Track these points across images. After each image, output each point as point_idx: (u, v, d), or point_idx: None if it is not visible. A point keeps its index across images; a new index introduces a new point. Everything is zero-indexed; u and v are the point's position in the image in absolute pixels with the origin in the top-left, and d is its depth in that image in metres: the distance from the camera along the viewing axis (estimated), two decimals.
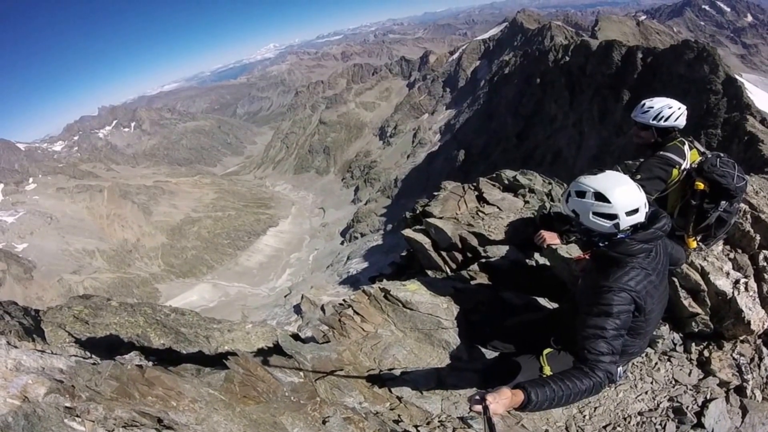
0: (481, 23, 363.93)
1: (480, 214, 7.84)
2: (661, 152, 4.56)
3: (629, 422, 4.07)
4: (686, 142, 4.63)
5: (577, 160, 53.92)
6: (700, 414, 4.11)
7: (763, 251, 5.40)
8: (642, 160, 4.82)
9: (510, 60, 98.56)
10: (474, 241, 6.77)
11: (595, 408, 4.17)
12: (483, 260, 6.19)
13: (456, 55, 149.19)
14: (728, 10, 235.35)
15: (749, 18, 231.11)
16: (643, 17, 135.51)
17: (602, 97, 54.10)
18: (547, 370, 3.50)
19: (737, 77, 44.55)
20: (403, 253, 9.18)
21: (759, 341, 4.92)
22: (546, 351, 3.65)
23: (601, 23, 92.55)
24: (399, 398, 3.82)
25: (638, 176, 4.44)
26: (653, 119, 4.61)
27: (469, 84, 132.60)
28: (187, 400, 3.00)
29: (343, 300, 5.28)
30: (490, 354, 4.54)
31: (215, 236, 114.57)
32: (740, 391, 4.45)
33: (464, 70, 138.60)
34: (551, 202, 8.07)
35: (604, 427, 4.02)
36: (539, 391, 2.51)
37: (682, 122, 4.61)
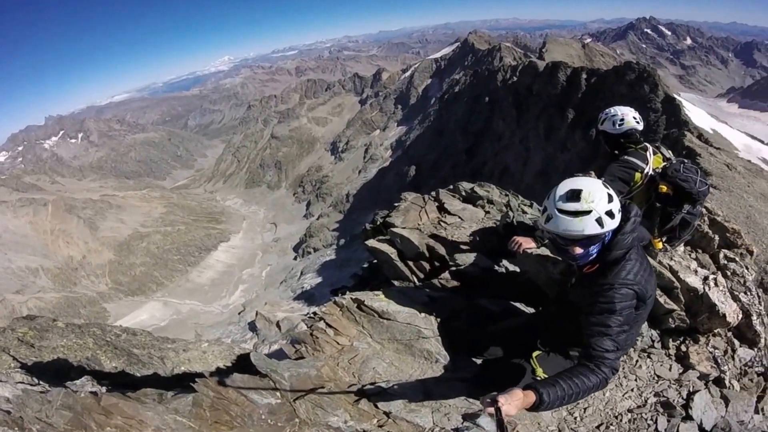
0: (434, 42, 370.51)
1: (442, 224, 7.72)
2: (624, 157, 4.73)
3: (621, 420, 4.07)
4: (650, 148, 4.79)
5: (524, 176, 55.15)
6: (686, 406, 4.23)
7: (723, 251, 5.83)
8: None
9: (460, 79, 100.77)
10: (442, 250, 6.57)
11: (585, 409, 4.11)
12: (453, 268, 6.01)
13: (408, 73, 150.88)
14: (669, 33, 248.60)
15: (688, 41, 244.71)
16: (589, 40, 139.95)
17: (548, 115, 55.22)
18: (540, 372, 3.42)
19: (676, 96, 46.40)
20: (365, 265, 9.01)
21: (730, 334, 5.19)
22: (535, 354, 3.56)
23: (548, 45, 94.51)
24: (387, 414, 3.54)
25: (601, 179, 4.29)
26: (612, 126, 4.89)
27: (420, 101, 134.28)
28: (151, 430, 2.65)
29: (313, 313, 5.03)
30: (474, 361, 4.40)
31: (165, 252, 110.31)
32: (719, 382, 4.64)
33: (416, 88, 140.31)
34: (519, 213, 8.01)
35: (597, 427, 3.98)
36: (550, 391, 2.51)
37: (635, 126, 4.82)
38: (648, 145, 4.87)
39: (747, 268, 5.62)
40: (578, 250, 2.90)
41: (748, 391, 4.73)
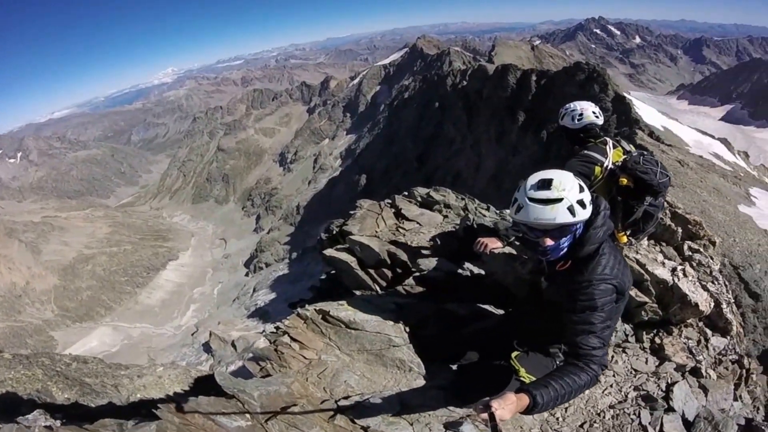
0: (383, 49, 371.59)
1: (401, 230, 7.75)
2: (584, 151, 4.80)
3: (604, 417, 4.09)
4: (609, 142, 4.84)
5: (476, 181, 55.50)
6: (666, 398, 4.30)
7: (687, 242, 6.11)
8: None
9: (410, 85, 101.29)
10: (404, 256, 6.57)
11: (566, 408, 4.11)
12: (417, 274, 5.99)
13: (357, 80, 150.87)
14: (618, 32, 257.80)
15: (638, 40, 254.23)
16: (538, 42, 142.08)
17: (499, 118, 55.79)
18: (524, 373, 3.37)
19: (626, 95, 47.52)
20: (323, 276, 8.72)
21: (701, 324, 5.35)
22: (514, 354, 3.51)
23: (497, 48, 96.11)
24: (365, 429, 3.41)
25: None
26: (571, 121, 4.94)
27: (369, 109, 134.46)
28: None
29: (276, 327, 4.84)
30: (450, 368, 4.34)
31: (111, 274, 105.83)
32: (696, 372, 4.76)
33: (365, 95, 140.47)
34: (479, 216, 8.01)
35: (581, 426, 3.97)
36: (543, 392, 2.51)
37: (594, 120, 4.89)
38: (608, 139, 4.92)
39: (712, 258, 5.82)
40: (549, 242, 2.87)
41: (725, 379, 4.86)
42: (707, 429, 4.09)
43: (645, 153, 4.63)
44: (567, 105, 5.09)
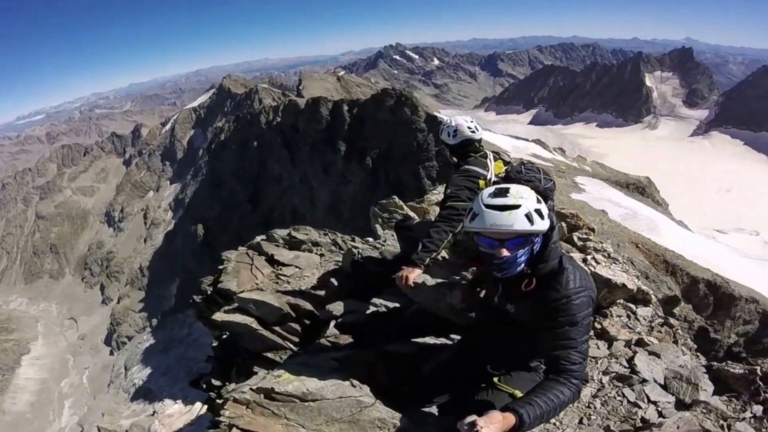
0: (189, 91, 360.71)
1: (281, 277, 7.34)
2: (465, 166, 4.80)
3: (595, 407, 4.18)
4: (490, 155, 4.94)
5: (314, 214, 55.42)
6: (634, 372, 4.51)
7: (573, 233, 6.61)
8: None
9: (224, 126, 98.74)
10: (307, 305, 6.16)
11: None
12: (333, 321, 5.64)
13: (169, 126, 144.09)
14: (417, 57, 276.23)
15: (436, 62, 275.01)
16: (342, 72, 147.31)
17: (320, 151, 56.33)
18: (519, 394, 3.13)
19: (437, 114, 50.35)
20: (215, 344, 7.80)
21: (622, 301, 5.76)
22: (496, 379, 3.29)
23: (304, 82, 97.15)
24: None
25: (448, 190, 4.63)
26: (448, 137, 5.02)
27: (187, 155, 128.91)
28: None
29: (215, 422, 4.17)
30: (432, 412, 4.03)
31: None
32: (641, 343, 5.05)
33: (180, 141, 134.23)
34: (366, 248, 7.60)
35: (580, 423, 4.02)
36: (529, 410, 2.47)
37: (471, 135, 4.96)
38: (488, 152, 5.02)
39: (602, 243, 6.29)
40: (505, 253, 2.75)
41: (664, 341, 5.23)
42: (683, 386, 4.38)
43: (525, 162, 4.61)
44: (444, 120, 5.22)
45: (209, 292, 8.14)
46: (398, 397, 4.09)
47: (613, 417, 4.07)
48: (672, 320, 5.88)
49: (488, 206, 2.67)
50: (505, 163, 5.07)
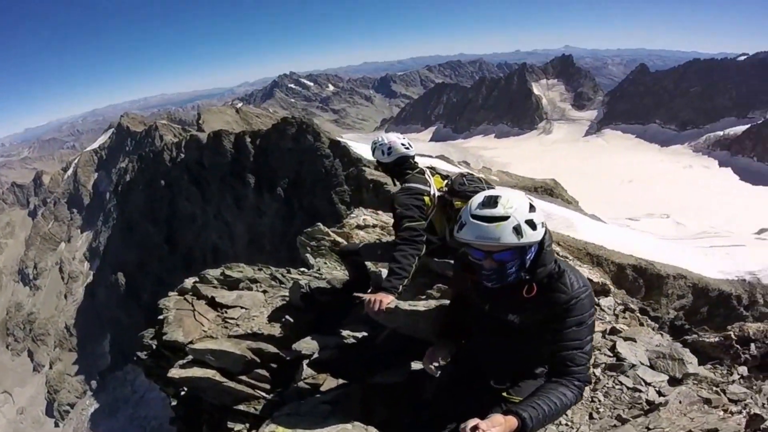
0: (88, 132, 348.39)
1: (229, 321, 6.74)
2: (406, 185, 4.68)
3: (599, 400, 4.24)
4: (426, 171, 4.84)
5: (235, 250, 53.74)
6: (621, 359, 4.64)
7: None
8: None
9: (127, 166, 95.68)
10: (271, 347, 5.67)
11: (566, 415, 4.13)
12: (306, 361, 5.15)
13: (71, 171, 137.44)
14: (311, 84, 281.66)
15: (331, 88, 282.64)
16: (240, 104, 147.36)
17: (229, 185, 55.04)
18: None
19: (339, 139, 50.86)
20: (174, 403, 6.89)
21: None
22: (504, 393, 3.16)
23: (204, 116, 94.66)
24: None
25: (397, 210, 4.47)
26: (382, 155, 4.90)
27: (94, 200, 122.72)
28: None
29: None
30: None
31: None
32: (614, 331, 5.29)
33: (84, 186, 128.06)
34: (313, 277, 7.46)
35: (591, 418, 4.06)
36: (531, 413, 2.41)
37: (405, 152, 4.87)
38: (424, 168, 4.91)
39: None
40: (493, 265, 2.64)
41: (632, 326, 5.47)
42: (670, 363, 4.51)
43: (465, 174, 4.72)
44: (375, 139, 5.02)
45: (154, 347, 7.41)
46: (403, 430, 3.90)
47: (620, 405, 4.16)
48: (632, 303, 6.25)
49: (475, 217, 2.54)
50: (443, 177, 5.00)
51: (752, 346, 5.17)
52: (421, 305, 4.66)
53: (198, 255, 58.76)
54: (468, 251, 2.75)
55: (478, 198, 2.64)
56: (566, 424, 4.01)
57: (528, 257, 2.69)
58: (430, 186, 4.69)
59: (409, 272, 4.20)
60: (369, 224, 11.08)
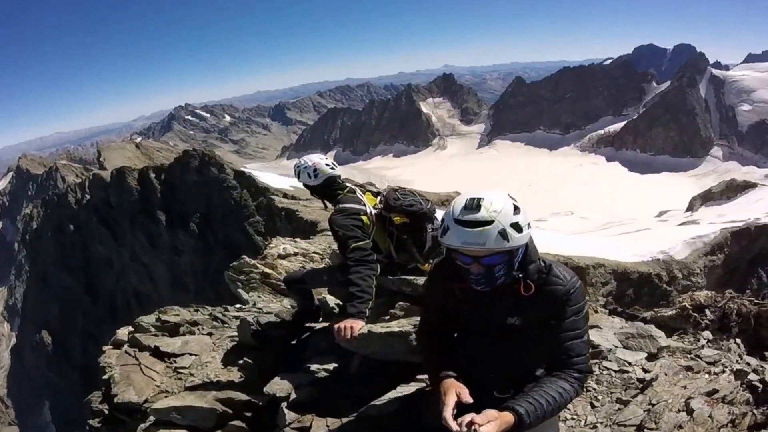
0: None
1: (181, 371, 6.38)
2: (339, 206, 4.50)
3: (594, 388, 4.29)
4: (357, 189, 4.72)
5: (160, 293, 51.06)
6: (597, 347, 4.68)
7: None
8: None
9: (32, 212, 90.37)
10: (241, 395, 5.35)
11: (569, 409, 4.17)
12: (284, 404, 4.73)
13: None
14: (208, 115, 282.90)
15: (228, 118, 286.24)
16: (139, 139, 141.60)
17: (140, 224, 52.52)
18: None
19: (244, 169, 49.98)
20: None
21: None
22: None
23: (104, 153, 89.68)
24: None
25: (339, 233, 4.29)
26: (308, 178, 4.67)
27: (3, 252, 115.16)
28: None
29: None
30: None
31: None
32: None
33: None
34: (249, 314, 6.73)
35: (593, 407, 4.12)
36: (528, 409, 2.30)
37: (332, 172, 4.65)
38: (354, 187, 4.79)
39: None
40: (480, 270, 2.52)
41: (593, 316, 5.51)
42: (641, 341, 4.79)
43: (396, 188, 4.66)
44: (297, 162, 4.84)
45: (106, 412, 6.67)
46: None
47: (615, 388, 4.21)
48: None
49: (458, 222, 2.41)
50: (374, 194, 4.85)
51: (707, 311, 5.63)
52: (395, 325, 4.57)
53: (122, 302, 55.92)
54: (455, 256, 2.58)
55: (460, 201, 2.45)
56: (572, 418, 4.00)
57: (516, 259, 2.59)
58: (364, 205, 4.54)
59: (371, 293, 3.99)
60: (290, 252, 11.09)
